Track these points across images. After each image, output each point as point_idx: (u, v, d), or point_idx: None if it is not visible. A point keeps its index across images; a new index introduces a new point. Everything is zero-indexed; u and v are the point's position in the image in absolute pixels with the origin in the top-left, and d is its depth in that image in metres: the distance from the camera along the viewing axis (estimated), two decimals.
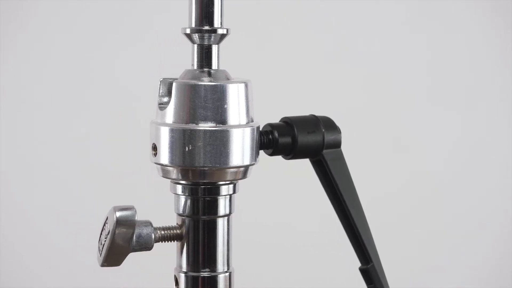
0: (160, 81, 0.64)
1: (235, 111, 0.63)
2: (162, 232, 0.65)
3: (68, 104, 1.48)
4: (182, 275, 0.66)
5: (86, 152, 1.49)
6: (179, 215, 0.65)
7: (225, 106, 0.62)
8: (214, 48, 0.65)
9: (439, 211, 1.57)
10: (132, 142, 1.36)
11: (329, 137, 0.70)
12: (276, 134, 0.67)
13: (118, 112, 1.48)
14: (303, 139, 0.68)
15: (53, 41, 1.48)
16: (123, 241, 0.63)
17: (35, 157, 1.47)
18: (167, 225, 0.66)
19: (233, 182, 0.65)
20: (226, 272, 0.66)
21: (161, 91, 0.65)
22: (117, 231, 0.62)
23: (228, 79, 0.64)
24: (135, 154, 1.29)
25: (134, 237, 0.63)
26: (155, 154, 0.63)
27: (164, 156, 0.63)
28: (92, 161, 1.48)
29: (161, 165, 0.64)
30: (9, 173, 1.48)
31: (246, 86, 0.64)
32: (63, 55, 1.47)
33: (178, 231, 0.65)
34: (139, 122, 1.06)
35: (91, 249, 0.73)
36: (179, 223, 0.66)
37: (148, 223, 0.64)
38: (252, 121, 0.64)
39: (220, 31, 0.64)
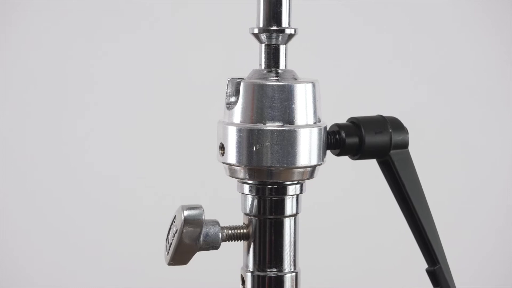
0: (228, 81, 0.64)
1: (303, 111, 0.63)
2: (229, 231, 0.65)
3: (133, 103, 1.47)
4: (249, 275, 0.66)
5: (155, 152, 1.50)
6: (246, 214, 0.65)
7: (293, 106, 0.62)
8: (282, 48, 0.65)
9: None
10: (201, 140, 1.37)
11: (396, 138, 0.69)
12: (343, 134, 0.66)
13: (185, 111, 1.49)
14: (370, 139, 0.67)
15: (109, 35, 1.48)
16: (190, 240, 0.63)
17: (86, 156, 1.48)
18: (234, 225, 0.66)
19: (300, 182, 0.65)
20: (292, 272, 0.66)
21: (228, 90, 0.65)
22: (184, 230, 0.62)
23: (295, 79, 0.64)
24: (203, 153, 1.29)
25: (202, 236, 0.63)
26: (223, 154, 0.64)
27: (232, 156, 0.63)
28: (160, 160, 1.49)
29: (228, 164, 0.64)
30: (53, 177, 1.46)
31: (313, 86, 0.63)
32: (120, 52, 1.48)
33: (245, 231, 0.65)
34: (207, 121, 1.06)
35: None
36: (246, 222, 0.66)
37: (216, 222, 0.64)
38: (319, 121, 0.64)
39: (288, 31, 0.64)
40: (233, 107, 0.63)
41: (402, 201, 0.70)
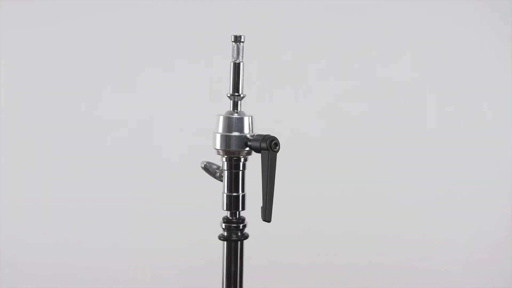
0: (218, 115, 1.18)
1: (246, 127, 1.24)
2: None
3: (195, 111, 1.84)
4: None
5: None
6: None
7: (241, 125, 1.25)
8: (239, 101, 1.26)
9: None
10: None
11: (262, 145, 1.10)
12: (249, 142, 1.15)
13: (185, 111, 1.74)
14: (254, 144, 1.13)
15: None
16: None
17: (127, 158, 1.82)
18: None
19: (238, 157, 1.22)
20: None
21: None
22: None
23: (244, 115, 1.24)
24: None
25: None
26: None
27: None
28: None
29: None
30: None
31: (249, 118, 1.24)
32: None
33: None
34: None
35: None
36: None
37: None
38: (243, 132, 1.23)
39: (242, 95, 1.24)
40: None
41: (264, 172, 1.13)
